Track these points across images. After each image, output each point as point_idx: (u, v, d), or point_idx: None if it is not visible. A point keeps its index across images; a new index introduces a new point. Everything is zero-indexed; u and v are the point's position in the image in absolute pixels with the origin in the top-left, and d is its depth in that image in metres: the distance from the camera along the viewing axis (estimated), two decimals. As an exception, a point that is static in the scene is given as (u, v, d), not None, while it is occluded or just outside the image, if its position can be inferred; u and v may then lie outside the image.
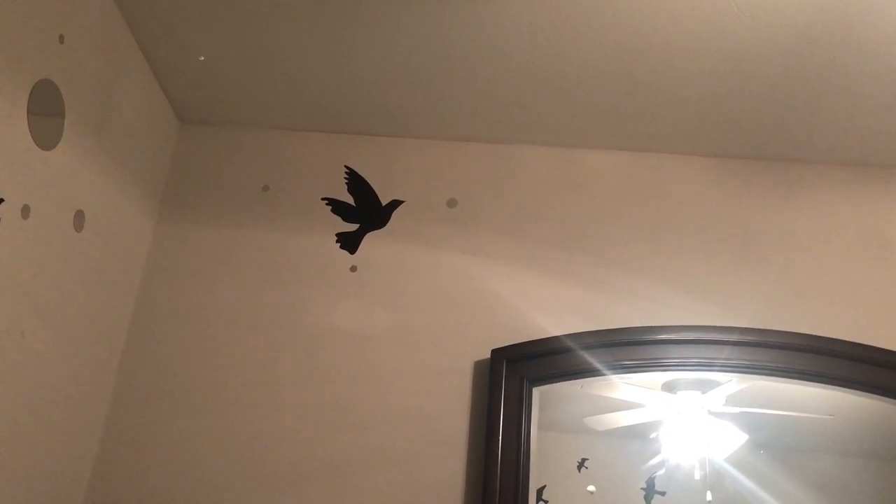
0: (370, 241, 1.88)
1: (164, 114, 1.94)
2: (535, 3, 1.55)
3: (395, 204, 1.92)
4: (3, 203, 1.31)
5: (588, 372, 1.66)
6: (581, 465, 1.80)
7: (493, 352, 1.68)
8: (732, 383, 1.74)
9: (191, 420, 1.69)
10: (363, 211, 1.91)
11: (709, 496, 1.74)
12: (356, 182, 1.94)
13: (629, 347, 1.68)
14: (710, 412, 1.79)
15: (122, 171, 1.74)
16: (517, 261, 1.85)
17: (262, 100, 1.93)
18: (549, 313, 1.77)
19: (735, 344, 1.66)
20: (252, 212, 1.92)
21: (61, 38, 1.46)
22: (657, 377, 1.76)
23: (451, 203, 1.92)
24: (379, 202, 1.92)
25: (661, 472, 1.76)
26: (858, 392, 1.66)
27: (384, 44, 1.70)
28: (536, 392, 1.66)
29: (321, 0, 1.60)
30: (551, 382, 1.67)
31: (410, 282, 1.83)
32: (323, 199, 1.93)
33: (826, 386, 1.67)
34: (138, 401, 1.71)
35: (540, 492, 1.69)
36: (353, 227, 1.89)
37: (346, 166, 1.96)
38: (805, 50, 1.60)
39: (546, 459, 1.69)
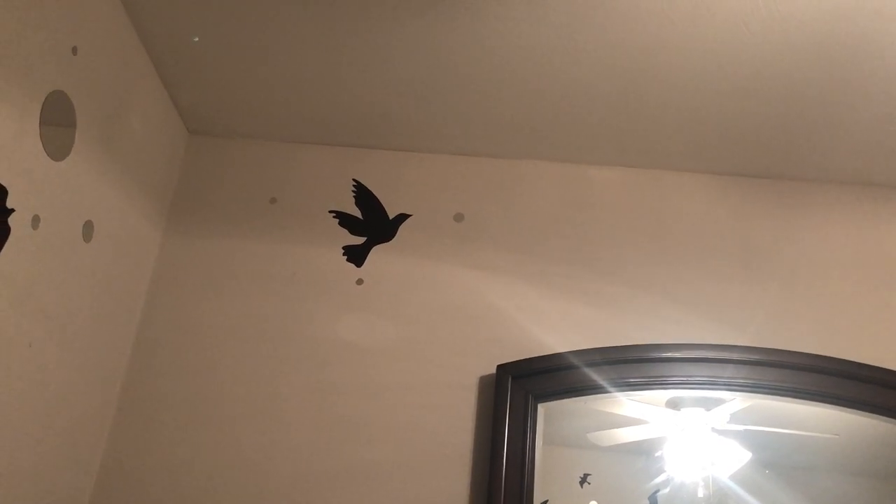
0: (377, 254, 1.89)
1: (173, 125, 1.95)
2: (543, 20, 1.56)
3: (402, 217, 1.92)
4: (13, 213, 1.32)
5: (593, 389, 1.66)
6: (584, 480, 1.80)
7: (499, 367, 1.68)
8: (736, 401, 1.74)
9: (195, 431, 1.69)
10: (370, 224, 1.91)
11: (712, 514, 1.73)
12: (364, 195, 1.95)
13: (634, 365, 1.68)
14: (713, 430, 1.78)
15: (131, 182, 1.75)
16: (523, 276, 1.85)
17: (270, 112, 1.94)
18: (554, 329, 1.77)
19: (738, 362, 1.66)
20: (259, 224, 1.92)
21: (74, 50, 1.47)
22: (661, 394, 1.76)
23: (458, 217, 1.93)
24: (386, 215, 1.93)
25: (666, 490, 1.76)
26: (862, 412, 1.66)
27: (393, 59, 1.71)
28: (541, 408, 1.66)
29: (331, 14, 1.61)
30: (556, 399, 1.67)
31: (416, 295, 1.83)
32: (330, 211, 1.94)
33: (829, 406, 1.67)
34: (143, 411, 1.72)
35: (543, 507, 1.69)
36: (360, 240, 1.90)
37: (353, 179, 1.97)
38: (811, 69, 1.61)
39: (549, 474, 1.68)
